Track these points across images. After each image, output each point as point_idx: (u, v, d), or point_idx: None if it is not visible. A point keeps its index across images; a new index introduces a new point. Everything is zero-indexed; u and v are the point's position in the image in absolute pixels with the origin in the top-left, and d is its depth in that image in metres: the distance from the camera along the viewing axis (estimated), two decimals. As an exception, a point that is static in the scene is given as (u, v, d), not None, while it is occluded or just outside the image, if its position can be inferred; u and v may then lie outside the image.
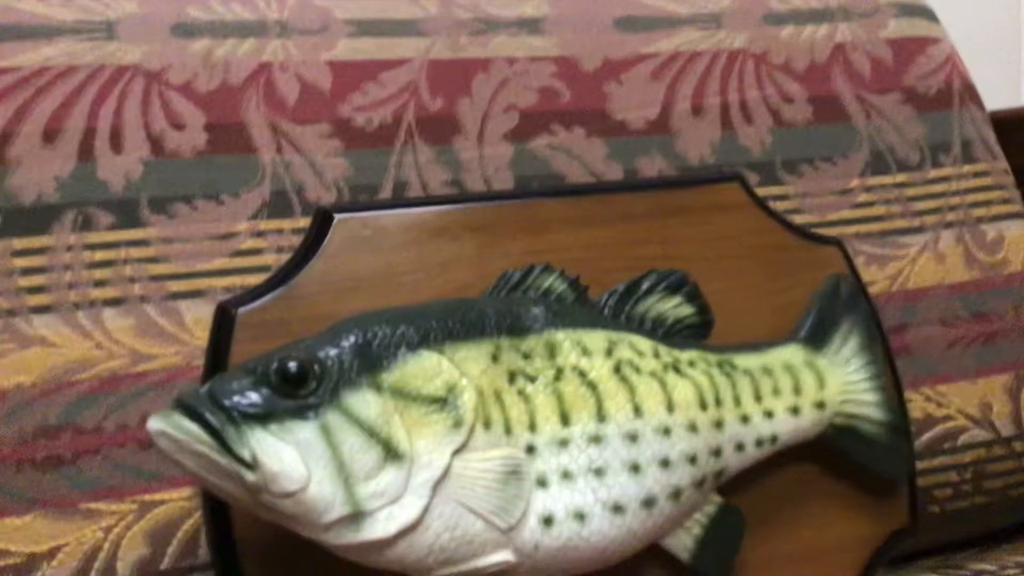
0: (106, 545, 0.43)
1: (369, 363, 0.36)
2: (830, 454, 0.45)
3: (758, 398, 0.43)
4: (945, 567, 0.55)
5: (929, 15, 0.65)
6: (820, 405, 0.44)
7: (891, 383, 0.47)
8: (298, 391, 0.35)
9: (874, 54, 0.62)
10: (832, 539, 0.45)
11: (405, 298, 0.41)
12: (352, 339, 0.37)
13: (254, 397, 0.35)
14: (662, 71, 0.58)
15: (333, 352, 0.36)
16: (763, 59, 0.60)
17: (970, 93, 0.63)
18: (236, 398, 0.34)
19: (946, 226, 0.60)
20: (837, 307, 0.46)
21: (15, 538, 0.42)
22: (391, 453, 0.35)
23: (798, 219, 0.55)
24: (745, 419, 0.42)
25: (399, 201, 0.50)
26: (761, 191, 0.52)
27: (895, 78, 0.62)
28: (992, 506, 0.57)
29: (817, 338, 0.45)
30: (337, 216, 0.42)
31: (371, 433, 0.35)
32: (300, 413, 0.35)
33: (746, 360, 0.43)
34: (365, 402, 0.36)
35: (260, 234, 0.49)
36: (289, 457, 0.34)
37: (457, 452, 0.36)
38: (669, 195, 0.46)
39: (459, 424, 0.37)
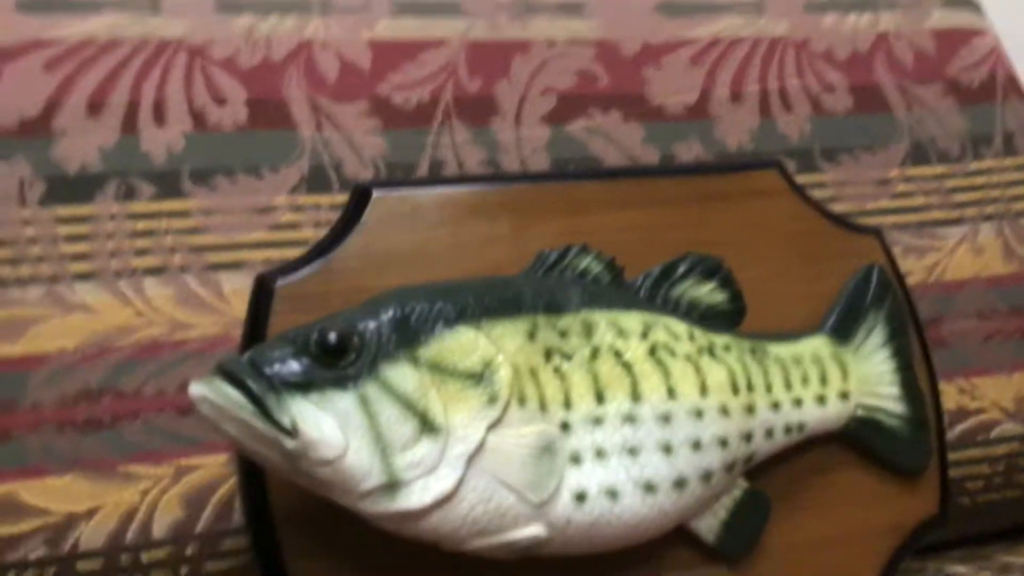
0: (143, 507, 0.44)
1: (407, 337, 0.37)
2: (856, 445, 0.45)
3: (788, 386, 0.43)
4: (973, 558, 0.54)
5: (974, 7, 0.64)
6: (844, 396, 0.44)
7: (918, 376, 0.46)
8: (338, 362, 0.35)
9: (917, 44, 0.61)
10: (859, 527, 0.45)
11: (440, 275, 0.41)
12: (390, 313, 0.37)
13: (295, 366, 0.35)
14: (702, 57, 0.57)
15: (372, 325, 0.36)
16: (804, 47, 0.59)
17: (1013, 86, 0.63)
18: (277, 367, 0.35)
19: (985, 219, 0.59)
20: (865, 299, 0.46)
21: (55, 497, 0.43)
22: (427, 426, 0.36)
23: (836, 208, 0.54)
24: (776, 406, 0.42)
25: (436, 179, 0.50)
26: (799, 179, 0.51)
27: (938, 69, 0.61)
28: (1023, 500, 0.56)
29: (843, 330, 0.45)
30: (375, 192, 0.42)
31: (408, 405, 0.36)
32: (339, 383, 0.35)
33: (777, 348, 0.43)
34: (403, 375, 0.36)
35: (298, 208, 0.49)
36: (328, 426, 0.34)
37: (492, 427, 0.37)
38: (706, 180, 0.46)
39: (494, 399, 0.37)
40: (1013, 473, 0.56)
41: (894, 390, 0.45)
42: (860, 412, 0.45)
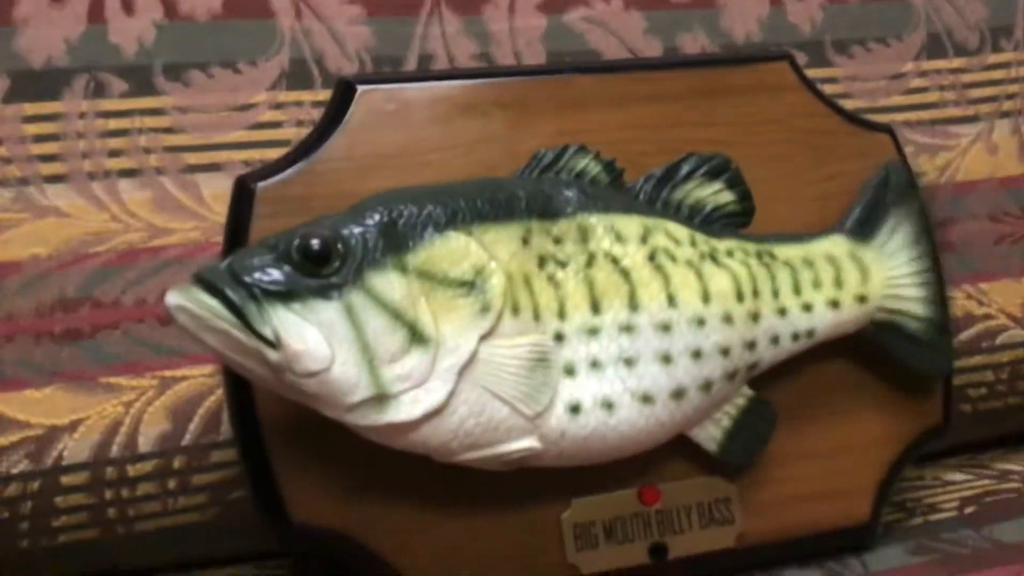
0: (127, 420, 0.43)
1: (394, 243, 0.35)
2: (864, 350, 0.44)
3: (797, 291, 0.41)
4: (971, 465, 0.54)
5: None
6: (862, 299, 0.42)
7: (938, 279, 0.45)
8: (321, 270, 0.34)
9: (939, -75, 0.58)
10: (862, 436, 0.44)
11: (431, 177, 0.39)
12: (377, 218, 0.35)
13: (276, 274, 0.33)
14: (709, -61, 0.54)
15: (357, 231, 0.35)
16: (818, -72, 0.56)
17: (1039, -30, 0.59)
18: (257, 275, 0.33)
19: (1002, 115, 0.56)
20: (887, 198, 0.44)
21: (36, 411, 0.42)
22: (416, 336, 0.34)
23: (847, 104, 0.52)
24: (783, 312, 0.41)
25: (425, 74, 0.47)
26: (810, 73, 0.49)
27: (959, -48, 0.57)
28: (1024, 407, 0.56)
29: (864, 230, 0.43)
30: (360, 88, 0.40)
31: (396, 315, 0.34)
32: (323, 292, 0.34)
33: (786, 250, 0.42)
34: (390, 283, 0.34)
35: (279, 106, 0.47)
36: (312, 337, 0.33)
37: (484, 337, 0.35)
38: (712, 74, 0.44)
39: (487, 309, 0.35)
40: (1016, 380, 0.55)
41: (918, 292, 0.44)
42: (880, 316, 0.43)
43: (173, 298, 0.33)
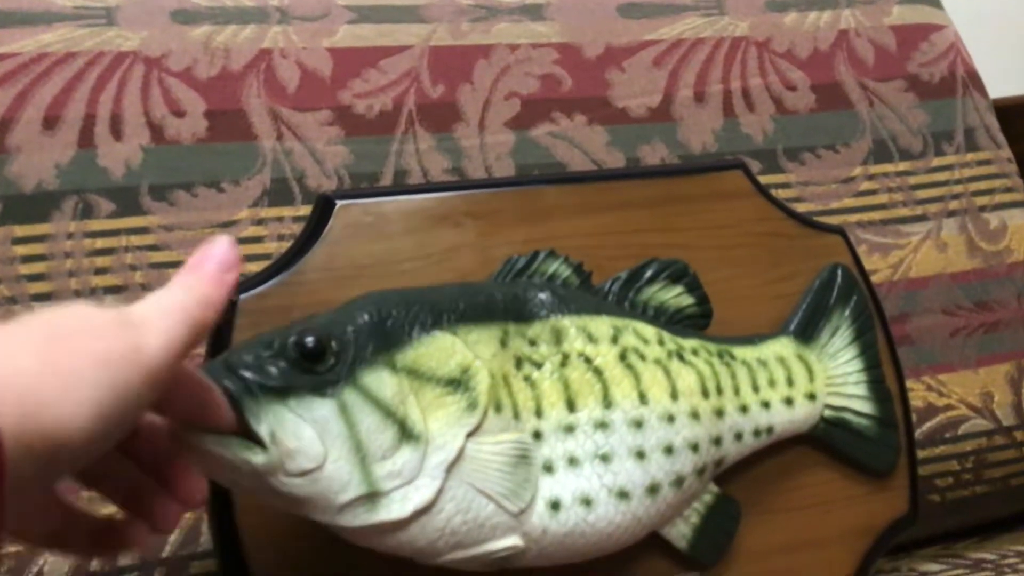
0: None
1: (384, 342, 0.35)
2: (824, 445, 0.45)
3: (756, 388, 0.43)
4: (945, 555, 0.55)
5: (933, 1, 0.65)
6: (811, 397, 0.44)
7: (885, 376, 0.46)
8: (316, 366, 0.34)
9: (877, 41, 0.62)
10: (832, 528, 0.45)
11: (407, 284, 0.40)
12: (367, 317, 0.36)
13: (273, 371, 0.33)
14: (664, 58, 0.57)
15: (350, 329, 0.35)
16: (766, 46, 0.59)
17: (974, 80, 0.63)
18: (254, 370, 0.33)
19: (949, 215, 0.59)
20: (829, 299, 0.46)
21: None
22: (407, 434, 0.35)
23: (800, 207, 0.54)
24: (744, 408, 0.42)
25: (401, 188, 0.49)
26: (763, 179, 0.51)
27: (898, 65, 0.61)
28: (993, 495, 0.57)
29: (807, 330, 0.45)
30: (338, 202, 0.41)
31: (387, 413, 0.34)
32: (318, 389, 0.34)
33: (743, 351, 0.43)
34: (381, 381, 0.35)
35: (261, 222, 0.48)
36: (307, 434, 0.33)
37: (471, 434, 0.36)
38: (671, 183, 0.46)
39: (473, 406, 0.36)
40: (982, 469, 0.56)
41: (860, 390, 0.45)
42: (827, 413, 0.45)
43: None
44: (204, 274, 0.29)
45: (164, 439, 0.31)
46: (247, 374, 0.33)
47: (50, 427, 0.24)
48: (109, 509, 0.31)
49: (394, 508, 0.34)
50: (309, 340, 0.34)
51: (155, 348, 0.27)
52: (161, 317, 0.28)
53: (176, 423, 0.30)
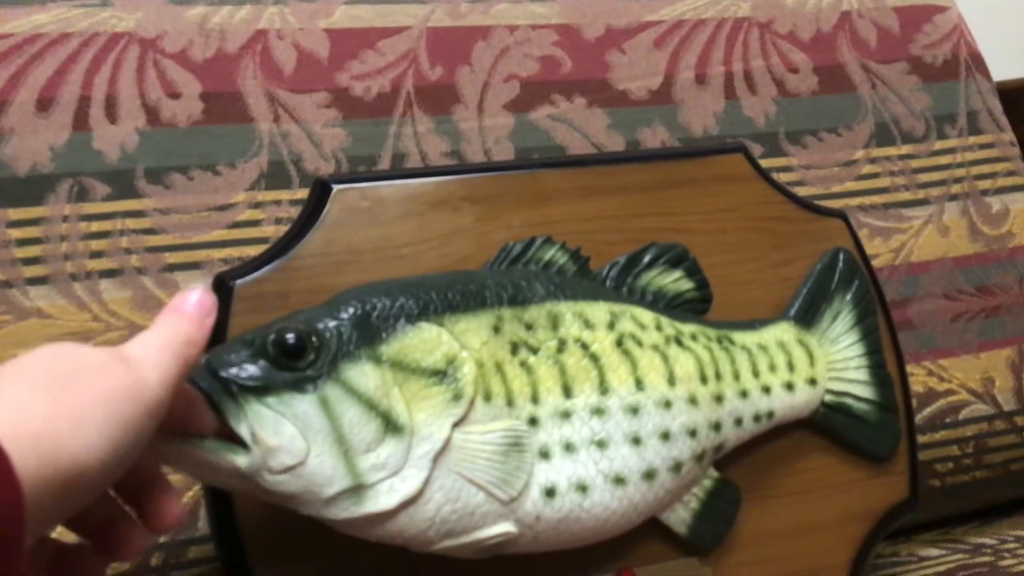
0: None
1: (368, 335, 0.36)
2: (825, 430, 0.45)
3: (756, 373, 0.43)
4: (945, 540, 0.55)
5: (936, -17, 0.64)
6: (812, 382, 0.44)
7: (887, 360, 0.46)
8: (296, 363, 0.34)
9: (880, 23, 0.61)
10: (832, 512, 0.45)
11: (404, 270, 0.40)
12: (351, 311, 0.36)
13: (252, 370, 0.34)
14: (665, 39, 0.57)
15: (331, 324, 0.36)
16: (768, 27, 0.59)
17: (977, 63, 0.63)
18: (233, 370, 0.34)
19: (950, 199, 0.59)
20: (831, 283, 0.46)
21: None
22: (391, 426, 0.35)
23: (802, 191, 0.54)
24: (744, 394, 0.42)
25: (398, 172, 0.49)
26: (765, 162, 0.51)
27: (901, 47, 0.61)
28: (993, 480, 0.57)
29: (808, 315, 0.45)
30: (335, 187, 0.41)
31: (370, 406, 0.35)
32: (298, 386, 0.34)
33: (742, 336, 0.43)
34: (364, 374, 0.35)
35: (257, 205, 0.48)
36: (288, 431, 0.33)
37: (457, 424, 0.36)
38: (671, 166, 0.46)
39: (459, 397, 0.36)
40: (982, 454, 0.56)
41: (861, 375, 0.45)
42: (828, 398, 0.45)
43: None
44: (186, 315, 0.31)
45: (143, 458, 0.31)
46: (225, 374, 0.33)
47: (66, 467, 0.25)
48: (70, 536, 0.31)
49: (380, 500, 0.34)
50: (289, 337, 0.34)
51: (154, 383, 0.29)
52: (156, 354, 0.29)
53: (159, 431, 0.30)
